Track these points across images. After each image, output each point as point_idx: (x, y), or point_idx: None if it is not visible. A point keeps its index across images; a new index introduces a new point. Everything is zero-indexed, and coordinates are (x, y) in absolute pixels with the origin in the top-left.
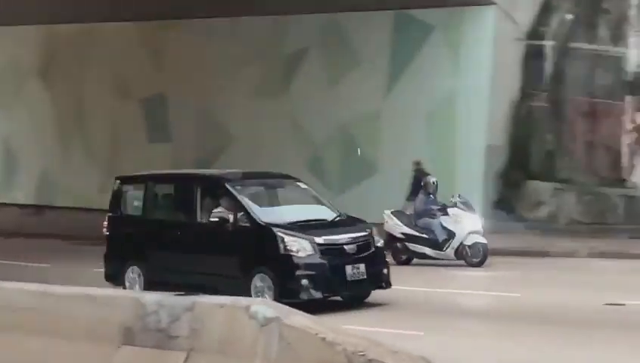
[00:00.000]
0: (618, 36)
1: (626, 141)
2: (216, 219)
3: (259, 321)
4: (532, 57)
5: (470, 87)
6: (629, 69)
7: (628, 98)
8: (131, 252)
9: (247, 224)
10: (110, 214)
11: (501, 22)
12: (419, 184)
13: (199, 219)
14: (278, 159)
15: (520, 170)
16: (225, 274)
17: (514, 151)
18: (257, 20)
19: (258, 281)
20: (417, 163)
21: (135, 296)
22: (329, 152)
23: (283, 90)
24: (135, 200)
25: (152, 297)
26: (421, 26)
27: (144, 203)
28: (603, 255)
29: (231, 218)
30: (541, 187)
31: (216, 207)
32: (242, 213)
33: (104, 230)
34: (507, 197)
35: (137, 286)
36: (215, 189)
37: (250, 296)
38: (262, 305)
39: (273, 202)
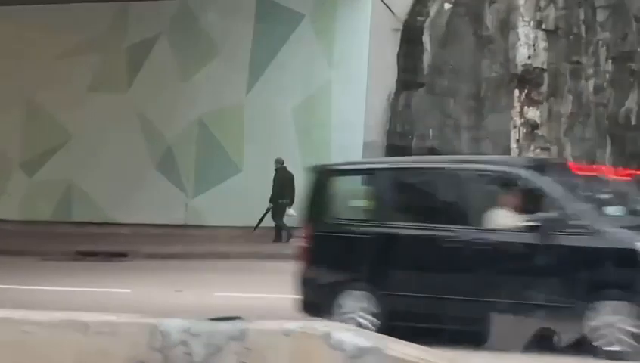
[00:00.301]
0: (506, 26)
1: (515, 136)
2: (537, 223)
3: (346, 353)
4: (411, 47)
5: (345, 80)
6: (518, 61)
7: (517, 92)
8: (356, 271)
9: (580, 231)
10: (312, 218)
11: (378, 11)
12: (281, 184)
13: (487, 225)
14: (123, 158)
15: None
16: (543, 300)
17: (393, 148)
18: (96, 7)
19: (608, 310)
20: (279, 162)
21: (149, 322)
22: (183, 150)
23: (128, 82)
24: (355, 198)
25: (176, 324)
26: (288, 13)
27: (379, 203)
28: None
29: (552, 220)
30: None
31: (501, 207)
32: (565, 215)
33: (301, 241)
34: None
35: (358, 318)
36: (509, 182)
37: (584, 328)
38: (348, 332)
39: (592, 199)
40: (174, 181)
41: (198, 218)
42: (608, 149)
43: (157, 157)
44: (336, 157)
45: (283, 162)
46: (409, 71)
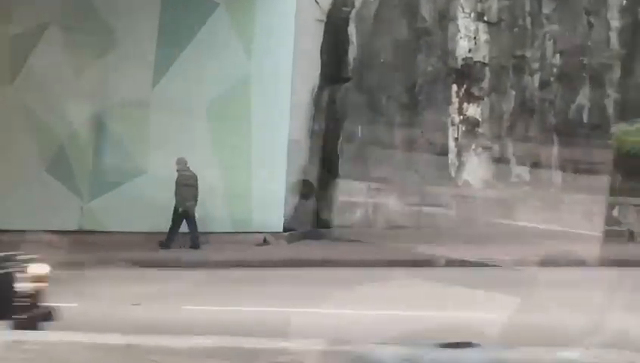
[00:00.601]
0: (444, 17)
1: (454, 134)
2: None
3: None
4: (335, 40)
5: (267, 74)
6: (458, 54)
7: (455, 87)
8: None
9: None
10: None
11: (301, 1)
12: (184, 186)
13: None
14: (7, 158)
15: (327, 168)
16: None
17: (319, 146)
18: None
19: None
20: (181, 162)
21: (346, 350)
22: (78, 150)
23: (12, 76)
24: None
25: (389, 352)
26: (199, 2)
27: None
28: (463, 264)
29: None
30: (353, 188)
31: None
32: None
33: None
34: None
35: None
36: None
37: None
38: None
39: None
40: (67, 183)
41: (95, 223)
42: (555, 149)
43: (48, 158)
44: (256, 158)
45: (186, 163)
46: (333, 65)
